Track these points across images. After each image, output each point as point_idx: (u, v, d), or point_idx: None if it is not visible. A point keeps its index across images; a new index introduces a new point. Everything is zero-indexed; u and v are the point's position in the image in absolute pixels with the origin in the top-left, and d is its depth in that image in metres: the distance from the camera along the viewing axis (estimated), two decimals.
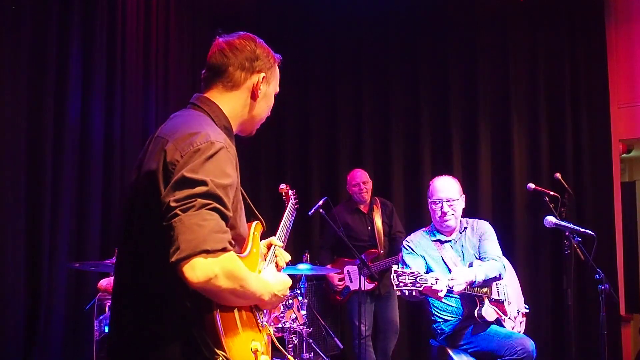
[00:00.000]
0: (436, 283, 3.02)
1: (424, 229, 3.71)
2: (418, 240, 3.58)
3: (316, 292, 5.07)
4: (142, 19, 4.73)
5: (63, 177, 3.97)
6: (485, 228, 3.61)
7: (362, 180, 4.91)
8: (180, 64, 5.19)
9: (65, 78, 4.01)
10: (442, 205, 3.50)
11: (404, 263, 3.52)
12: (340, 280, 4.86)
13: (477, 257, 3.50)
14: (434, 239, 3.57)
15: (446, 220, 3.51)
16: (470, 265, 3.35)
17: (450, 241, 3.55)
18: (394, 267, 3.07)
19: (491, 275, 3.29)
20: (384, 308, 4.87)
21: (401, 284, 2.99)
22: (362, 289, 4.33)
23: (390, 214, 4.99)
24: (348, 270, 4.86)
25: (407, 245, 3.58)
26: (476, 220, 3.69)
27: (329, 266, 4.89)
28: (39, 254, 3.80)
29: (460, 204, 3.56)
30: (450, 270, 3.38)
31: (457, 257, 3.50)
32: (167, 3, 5.08)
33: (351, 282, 4.81)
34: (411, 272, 3.03)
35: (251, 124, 1.76)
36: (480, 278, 3.22)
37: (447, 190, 3.53)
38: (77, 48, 4.10)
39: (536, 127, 5.56)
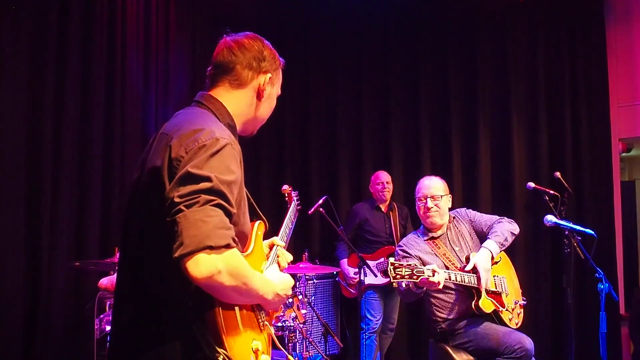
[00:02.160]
0: (433, 275, 3.02)
1: (414, 231, 3.75)
2: (411, 243, 3.59)
3: (316, 291, 5.09)
4: (141, 18, 4.72)
5: (62, 176, 3.98)
6: (466, 212, 3.73)
7: (385, 180, 5.27)
8: (180, 64, 5.19)
9: (65, 77, 4.02)
10: (426, 202, 3.56)
11: None
12: (355, 274, 4.98)
13: (478, 238, 3.58)
14: (426, 238, 3.59)
15: (430, 217, 3.55)
16: (467, 259, 3.38)
17: (441, 236, 3.58)
18: (391, 260, 3.08)
19: (503, 239, 3.42)
20: (388, 305, 5.05)
21: (398, 276, 3.00)
22: (366, 283, 4.46)
23: (405, 216, 5.35)
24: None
25: (401, 250, 3.57)
26: (453, 210, 3.74)
27: (344, 260, 5.15)
28: (38, 252, 3.81)
29: (445, 202, 3.60)
30: (447, 267, 3.40)
31: (454, 247, 3.52)
32: (166, 3, 5.07)
33: (366, 276, 4.89)
34: (408, 265, 3.03)
35: (254, 123, 1.77)
36: (496, 251, 3.37)
37: (430, 187, 3.60)
38: (76, 48, 4.10)
39: (536, 126, 5.57)
